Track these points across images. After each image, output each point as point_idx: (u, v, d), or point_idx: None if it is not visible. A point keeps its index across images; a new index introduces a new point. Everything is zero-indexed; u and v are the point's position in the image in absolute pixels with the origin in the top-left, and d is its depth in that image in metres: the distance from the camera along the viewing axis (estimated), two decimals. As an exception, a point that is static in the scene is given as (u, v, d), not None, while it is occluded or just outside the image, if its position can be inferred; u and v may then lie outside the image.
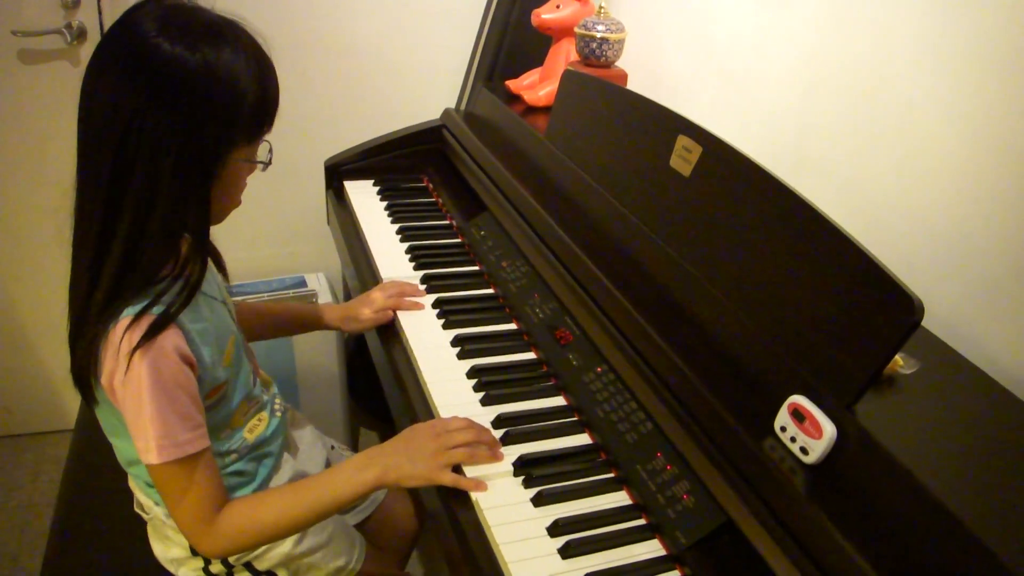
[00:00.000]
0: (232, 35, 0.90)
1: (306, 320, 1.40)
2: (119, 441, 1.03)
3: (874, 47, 1.26)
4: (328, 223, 1.88)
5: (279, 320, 1.38)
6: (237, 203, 1.01)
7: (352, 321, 1.38)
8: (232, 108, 0.89)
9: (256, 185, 2.16)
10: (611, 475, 1.06)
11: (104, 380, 0.92)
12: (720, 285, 1.05)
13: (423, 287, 1.44)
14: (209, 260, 1.04)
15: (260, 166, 1.00)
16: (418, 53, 2.17)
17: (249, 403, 1.11)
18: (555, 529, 0.96)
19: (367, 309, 1.37)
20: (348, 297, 2.18)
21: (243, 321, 1.26)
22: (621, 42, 1.64)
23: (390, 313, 1.37)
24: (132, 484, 1.13)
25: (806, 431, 0.87)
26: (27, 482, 2.17)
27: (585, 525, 0.97)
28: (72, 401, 1.62)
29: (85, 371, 0.93)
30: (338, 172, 1.85)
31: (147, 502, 1.11)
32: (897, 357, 0.95)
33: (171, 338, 0.91)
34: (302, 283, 2.08)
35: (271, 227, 2.28)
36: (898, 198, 1.23)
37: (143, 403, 0.89)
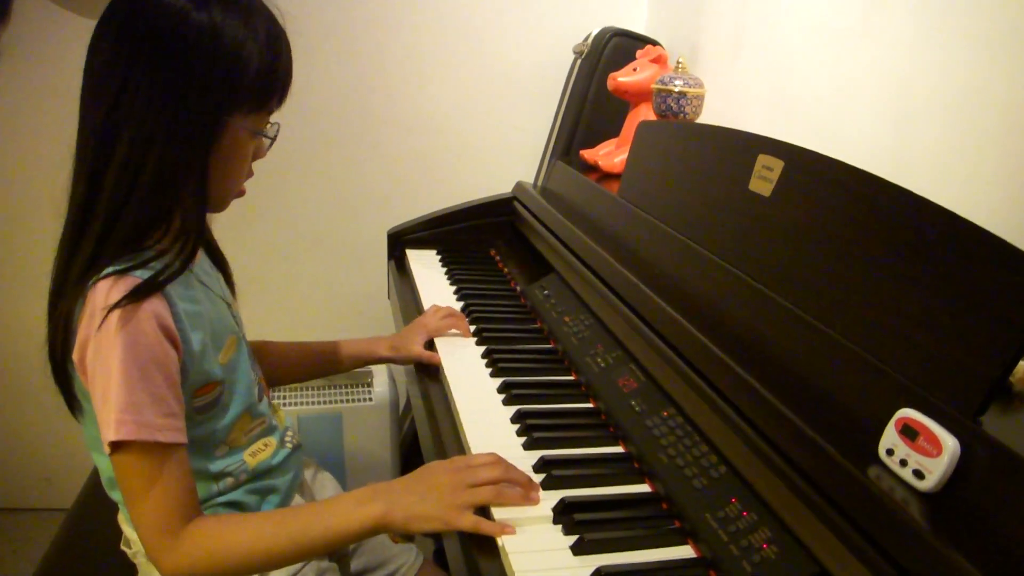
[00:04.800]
0: (246, 1, 0.85)
1: (357, 356, 1.30)
2: (102, 457, 0.90)
3: (964, 87, 1.11)
4: (388, 297, 1.78)
5: (325, 357, 1.28)
6: (239, 189, 0.93)
7: (402, 350, 1.28)
8: (233, 69, 0.83)
9: (321, 263, 2.14)
10: (674, 526, 0.86)
11: (76, 354, 0.81)
12: (807, 302, 0.87)
13: (475, 339, 1.30)
14: (208, 256, 1.00)
15: (267, 141, 0.92)
16: (493, 132, 2.12)
17: (253, 418, 0.97)
18: (597, 580, 0.76)
19: (419, 338, 1.28)
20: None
21: (285, 361, 1.21)
22: (700, 98, 1.53)
23: (437, 358, 1.23)
24: (120, 518, 1.00)
25: (920, 450, 0.67)
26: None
27: (636, 579, 0.77)
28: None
29: (59, 348, 0.82)
30: (401, 241, 1.76)
31: (132, 535, 0.97)
32: (1030, 368, 0.74)
33: (155, 306, 0.81)
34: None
35: (333, 307, 2.19)
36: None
37: (111, 372, 0.77)
